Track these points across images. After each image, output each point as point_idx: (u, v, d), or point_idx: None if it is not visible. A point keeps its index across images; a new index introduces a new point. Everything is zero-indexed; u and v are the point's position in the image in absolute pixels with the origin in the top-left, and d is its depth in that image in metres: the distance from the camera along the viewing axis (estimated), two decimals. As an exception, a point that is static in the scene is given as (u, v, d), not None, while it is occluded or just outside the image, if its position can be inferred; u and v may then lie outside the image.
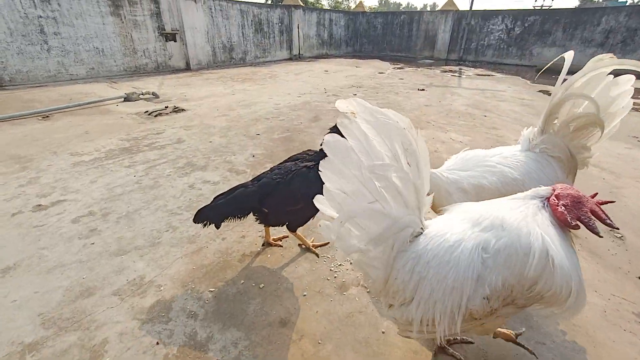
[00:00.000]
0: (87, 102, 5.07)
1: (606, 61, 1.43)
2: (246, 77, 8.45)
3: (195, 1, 8.98)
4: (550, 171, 1.49)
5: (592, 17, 10.85)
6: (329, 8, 30.31)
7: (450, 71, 10.56)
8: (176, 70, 9.08)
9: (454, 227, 1.03)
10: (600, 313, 1.56)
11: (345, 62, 12.54)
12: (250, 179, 1.82)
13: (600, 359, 1.35)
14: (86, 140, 3.68)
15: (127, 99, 5.43)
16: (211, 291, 1.66)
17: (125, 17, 7.76)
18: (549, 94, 6.88)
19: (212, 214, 1.64)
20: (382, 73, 9.78)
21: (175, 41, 8.94)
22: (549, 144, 1.55)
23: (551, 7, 14.45)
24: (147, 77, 7.87)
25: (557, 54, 8.56)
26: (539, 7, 34.77)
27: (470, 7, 13.57)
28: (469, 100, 6.07)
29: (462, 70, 10.79)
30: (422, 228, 1.05)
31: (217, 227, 1.67)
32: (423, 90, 7.04)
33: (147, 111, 4.85)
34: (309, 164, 1.66)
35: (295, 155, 1.84)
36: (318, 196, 1.06)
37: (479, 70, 10.84)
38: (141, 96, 5.62)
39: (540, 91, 7.19)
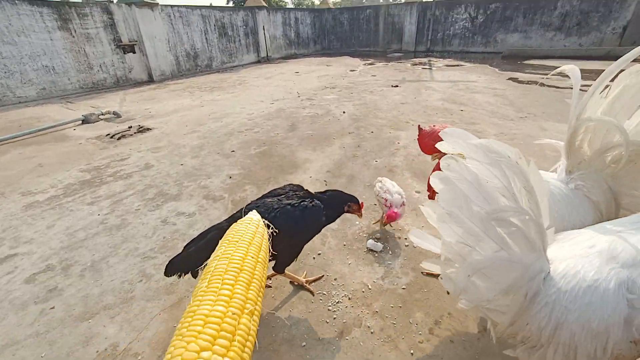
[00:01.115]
0: (40, 129, 4.61)
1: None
2: (214, 85, 8.09)
3: (152, 9, 8.48)
4: (584, 214, 1.21)
5: (549, 3, 11.23)
6: (293, 7, 29.97)
7: (420, 63, 10.62)
8: (138, 84, 8.56)
9: (585, 264, 0.93)
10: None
11: (315, 62, 12.35)
12: (230, 205, 1.62)
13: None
14: (40, 175, 3.31)
15: (85, 120, 5.00)
16: (197, 354, 1.45)
17: (75, 31, 7.20)
18: (518, 81, 7.05)
19: (184, 265, 1.43)
20: (353, 71, 9.68)
21: (134, 52, 8.42)
22: (585, 180, 1.23)
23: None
24: (106, 94, 7.35)
25: (519, 40, 8.82)
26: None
27: (433, -2, 13.72)
28: (444, 95, 6.07)
29: (432, 62, 10.88)
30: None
31: (194, 276, 1.47)
32: (397, 86, 6.99)
33: (108, 134, 4.47)
34: (292, 201, 1.48)
35: (275, 190, 1.65)
36: (415, 231, 1.09)
37: (447, 61, 10.97)
38: (101, 116, 5.20)
39: (509, 79, 7.33)
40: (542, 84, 6.57)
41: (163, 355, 1.43)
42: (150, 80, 8.90)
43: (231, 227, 1.28)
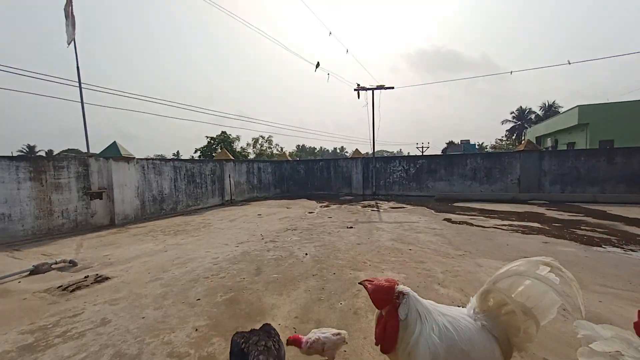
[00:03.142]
0: (-22, 283, 4.23)
1: (533, 268, 1.56)
2: (178, 228, 8.31)
3: (127, 162, 9.36)
4: (490, 348, 1.57)
5: (460, 160, 14.45)
6: (256, 159, 34.17)
7: (369, 206, 12.13)
8: (98, 228, 8.48)
9: None
10: None
11: (275, 204, 13.47)
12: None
13: None
14: (-30, 341, 2.92)
15: (35, 271, 4.71)
16: None
17: (46, 181, 7.52)
18: (452, 221, 8.33)
19: None
20: (311, 212, 10.68)
21: (101, 199, 8.72)
22: (489, 321, 1.62)
23: (430, 154, 18.98)
24: (62, 239, 7.11)
25: (446, 186, 10.97)
26: (422, 151, 45.19)
27: (373, 154, 16.93)
28: (392, 235, 6.89)
29: (379, 204, 12.50)
30: None
31: None
32: (352, 227, 7.81)
33: (60, 285, 4.23)
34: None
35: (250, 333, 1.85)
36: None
37: (391, 203, 12.70)
38: (54, 266, 4.96)
39: (444, 219, 8.64)
40: (471, 224, 7.83)
41: None
42: (112, 224, 8.90)
43: None
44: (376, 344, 1.69)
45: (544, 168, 12.99)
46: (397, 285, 1.69)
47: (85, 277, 4.52)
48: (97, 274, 4.62)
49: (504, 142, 54.20)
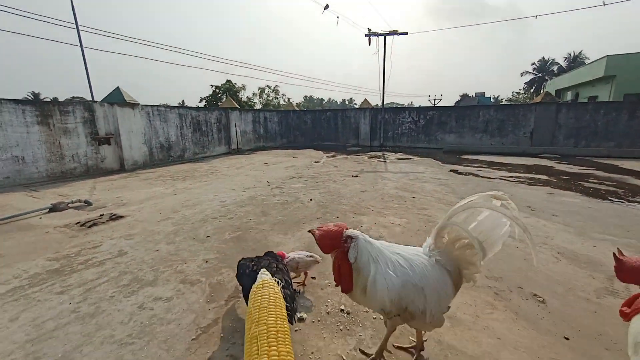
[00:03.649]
0: (2, 218, 4.50)
1: (487, 202, 1.62)
2: (187, 174, 8.49)
3: (132, 108, 9.27)
4: (442, 281, 1.68)
5: (473, 112, 13.95)
6: (263, 108, 33.41)
7: (376, 157, 12.08)
8: (109, 172, 8.72)
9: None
10: (548, 376, 1.79)
11: (282, 154, 13.50)
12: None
13: None
14: (1, 266, 3.20)
15: (53, 209, 4.97)
16: None
17: (54, 126, 7.57)
18: (458, 173, 8.31)
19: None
20: (317, 162, 10.73)
21: (109, 144, 8.82)
22: (442, 256, 1.72)
23: (442, 105, 18.31)
24: (75, 182, 7.38)
25: (455, 139, 10.72)
26: (433, 104, 43.58)
27: (382, 105, 16.41)
28: (397, 184, 6.95)
29: (386, 155, 12.44)
30: None
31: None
32: (357, 176, 7.88)
33: (78, 222, 4.48)
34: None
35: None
36: None
37: (399, 155, 12.61)
38: (70, 205, 5.21)
39: (451, 170, 8.61)
40: (477, 175, 7.81)
41: None
42: (122, 169, 9.12)
43: (255, 291, 1.64)
44: (336, 286, 1.76)
45: (560, 121, 12.51)
46: (346, 230, 1.69)
47: (101, 215, 4.76)
48: (111, 213, 4.85)
49: (520, 96, 51.64)
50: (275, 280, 1.76)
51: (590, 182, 6.96)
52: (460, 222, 1.65)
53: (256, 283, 1.73)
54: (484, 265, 1.74)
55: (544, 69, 45.33)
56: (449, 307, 1.73)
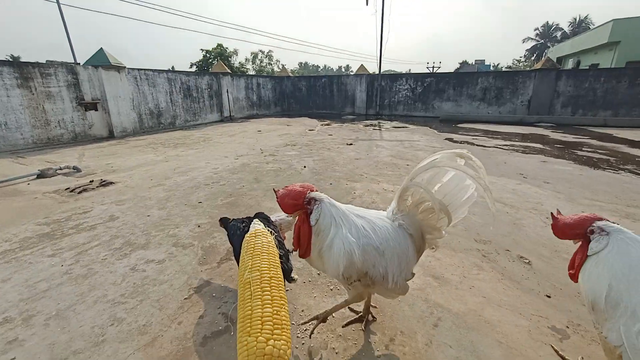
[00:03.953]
0: (-12, 184, 4.42)
1: (452, 160, 1.54)
2: (178, 141, 8.32)
3: (118, 71, 8.86)
4: (404, 245, 1.62)
5: (471, 79, 13.62)
6: (255, 74, 32.25)
7: (371, 125, 11.91)
8: (98, 139, 8.51)
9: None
10: (527, 333, 1.86)
11: (276, 122, 13.23)
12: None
13: (536, 372, 1.59)
14: (-9, 230, 3.17)
15: (41, 175, 4.87)
16: (173, 387, 1.53)
17: (36, 89, 7.23)
18: (453, 141, 8.26)
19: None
20: (312, 130, 10.55)
21: (96, 110, 8.52)
22: (405, 219, 1.65)
23: (440, 72, 17.81)
24: (63, 149, 7.20)
25: (452, 107, 10.52)
26: (431, 71, 42.39)
27: (379, 71, 15.92)
28: (392, 151, 6.90)
29: (381, 124, 12.26)
30: None
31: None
32: (351, 144, 7.79)
33: (68, 188, 4.41)
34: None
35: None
36: None
37: (394, 123, 12.44)
38: (59, 171, 5.10)
39: (446, 139, 8.55)
40: (472, 143, 7.77)
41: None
42: (111, 136, 8.90)
43: (247, 240, 1.63)
44: (294, 250, 1.66)
45: (559, 89, 12.30)
46: (311, 191, 1.58)
47: (91, 181, 4.68)
48: (101, 179, 4.78)
49: (521, 63, 50.34)
50: (269, 230, 1.75)
51: (583, 151, 6.98)
52: (424, 183, 1.56)
53: (249, 232, 1.72)
54: (471, 230, 1.70)
55: (547, 35, 43.84)
56: (414, 273, 1.70)
